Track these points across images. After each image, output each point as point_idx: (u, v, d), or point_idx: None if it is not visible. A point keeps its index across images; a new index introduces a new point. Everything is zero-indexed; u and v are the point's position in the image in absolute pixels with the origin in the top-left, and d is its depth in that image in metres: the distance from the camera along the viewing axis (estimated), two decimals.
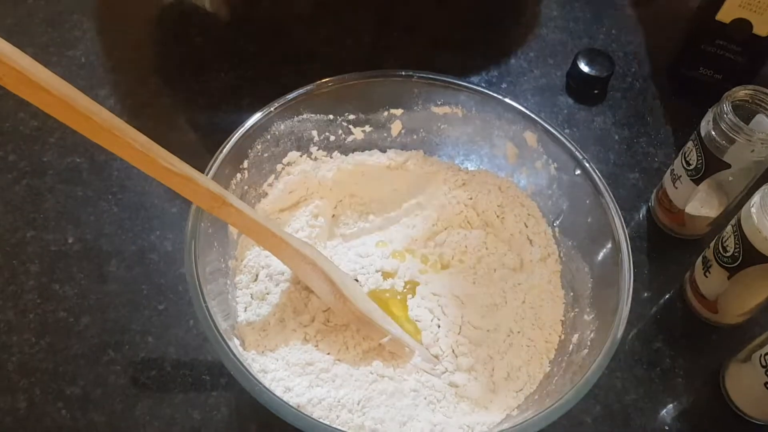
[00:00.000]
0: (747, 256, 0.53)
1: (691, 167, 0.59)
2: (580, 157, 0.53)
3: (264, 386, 0.42)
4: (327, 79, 0.56)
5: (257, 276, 0.53)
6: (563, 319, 0.54)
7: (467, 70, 0.74)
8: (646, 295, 0.62)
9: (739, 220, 0.54)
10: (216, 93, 0.71)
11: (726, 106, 0.55)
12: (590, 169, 0.52)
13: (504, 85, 0.74)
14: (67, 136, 0.66)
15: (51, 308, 0.57)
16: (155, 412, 0.53)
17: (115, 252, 0.60)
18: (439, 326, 0.53)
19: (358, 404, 0.48)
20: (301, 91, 0.55)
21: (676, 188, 0.62)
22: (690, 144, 0.60)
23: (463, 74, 0.73)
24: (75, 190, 0.63)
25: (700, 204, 0.62)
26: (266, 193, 0.57)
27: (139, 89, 0.71)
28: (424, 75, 0.57)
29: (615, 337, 0.45)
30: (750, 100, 0.57)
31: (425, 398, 0.49)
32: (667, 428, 0.56)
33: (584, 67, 0.72)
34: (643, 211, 0.67)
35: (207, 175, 0.49)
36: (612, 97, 0.74)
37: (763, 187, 0.53)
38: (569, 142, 0.54)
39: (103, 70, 0.72)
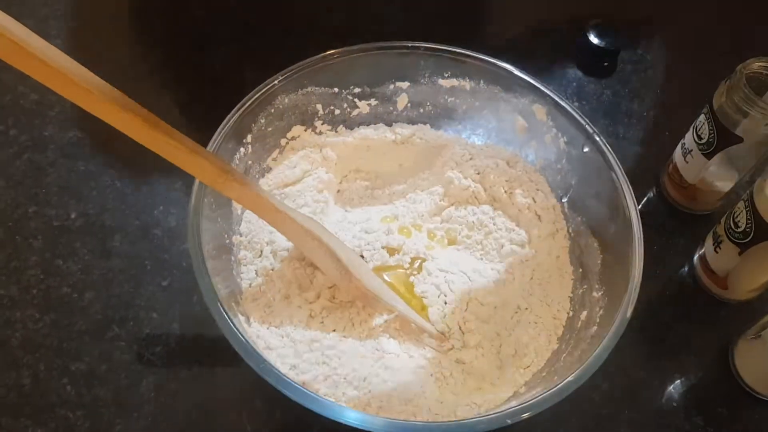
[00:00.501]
0: (759, 232, 0.53)
1: (703, 141, 0.58)
2: (590, 131, 0.52)
3: (270, 363, 0.42)
4: (332, 51, 0.54)
5: (262, 252, 0.53)
6: (571, 295, 0.53)
7: (473, 41, 0.72)
8: (656, 270, 0.61)
9: (751, 196, 0.53)
10: (219, 65, 0.70)
11: (740, 79, 0.54)
12: (601, 143, 0.51)
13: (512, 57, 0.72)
14: (68, 109, 0.65)
15: (54, 284, 0.57)
16: (160, 388, 0.53)
17: (118, 227, 0.60)
18: (446, 302, 0.52)
19: (364, 381, 0.47)
20: (305, 63, 0.54)
21: (687, 162, 0.61)
22: (702, 117, 0.59)
23: (469, 46, 0.71)
24: (77, 165, 0.63)
25: (711, 179, 0.61)
26: (270, 168, 0.56)
27: (142, 61, 0.70)
28: (432, 46, 0.55)
29: (624, 316, 0.44)
30: (765, 72, 0.56)
31: (432, 375, 0.49)
32: (675, 405, 0.56)
33: (594, 39, 0.71)
34: (653, 186, 0.66)
35: (210, 149, 0.49)
36: (622, 69, 0.73)
37: None
38: (579, 115, 0.53)
39: (103, 42, 0.71)
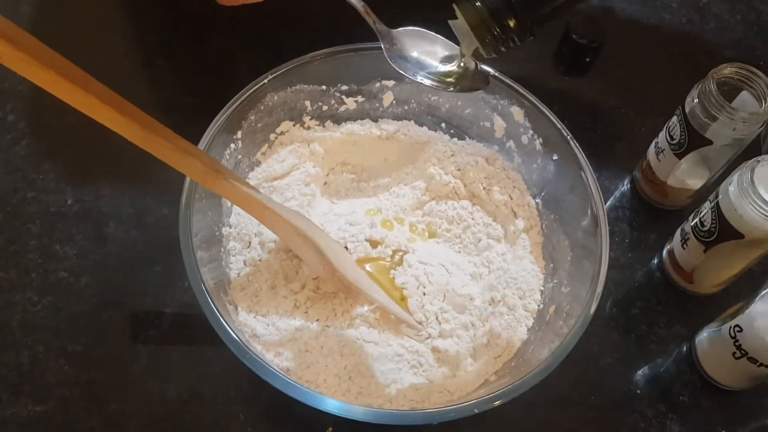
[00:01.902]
0: (723, 232, 0.55)
1: (675, 141, 0.61)
2: (565, 134, 0.54)
3: (253, 353, 0.44)
4: (320, 51, 0.57)
5: (250, 243, 0.55)
6: (542, 289, 0.56)
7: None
8: (625, 262, 0.64)
9: (717, 197, 0.56)
10: (212, 57, 0.71)
11: (711, 84, 0.57)
12: (574, 147, 0.54)
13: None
14: None
15: (52, 268, 0.59)
16: (153, 370, 0.56)
17: (113, 214, 0.62)
18: (424, 293, 0.55)
19: (344, 369, 0.50)
20: (294, 62, 0.56)
21: (660, 161, 0.63)
22: (675, 119, 0.61)
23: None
24: (74, 152, 0.65)
25: (682, 177, 0.64)
26: (259, 162, 0.58)
27: (135, 51, 0.71)
28: None
29: (588, 313, 0.47)
30: (735, 77, 0.58)
31: (408, 362, 0.52)
32: (639, 392, 0.59)
33: (575, 36, 0.72)
34: (627, 181, 0.69)
35: (201, 146, 0.51)
36: (603, 65, 0.75)
37: (741, 166, 0.54)
38: (555, 119, 0.55)
39: (97, 31, 0.72)
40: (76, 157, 0.64)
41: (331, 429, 0.54)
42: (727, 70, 0.58)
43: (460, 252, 0.58)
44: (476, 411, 0.44)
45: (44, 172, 0.63)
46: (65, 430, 0.53)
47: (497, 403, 0.45)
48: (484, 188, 0.60)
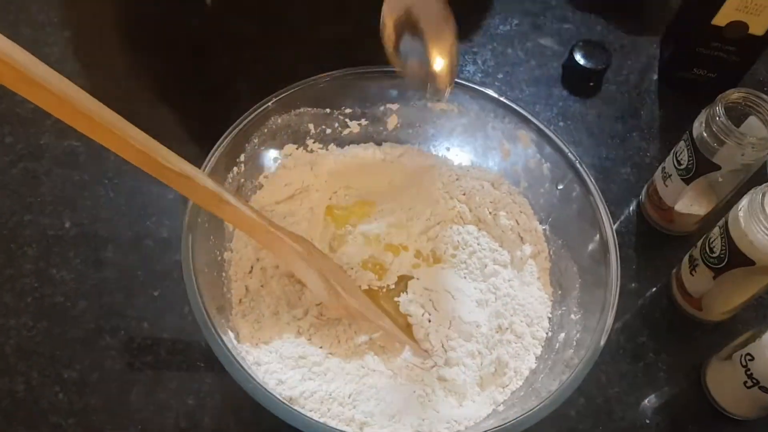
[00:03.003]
0: (733, 258, 0.55)
1: (682, 167, 0.60)
2: (573, 159, 0.53)
3: (257, 381, 0.43)
4: (324, 74, 0.56)
5: (252, 268, 0.54)
6: (550, 316, 0.55)
7: (463, 60, 0.74)
8: (632, 289, 0.63)
9: (726, 223, 0.55)
10: (214, 76, 0.71)
11: (718, 109, 0.56)
12: (582, 171, 0.53)
13: (500, 75, 0.74)
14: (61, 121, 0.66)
15: (48, 292, 0.58)
16: (150, 397, 0.54)
17: (111, 237, 0.61)
18: (429, 321, 0.54)
19: (348, 397, 0.49)
20: (297, 85, 0.55)
21: (667, 186, 0.63)
22: (682, 144, 0.60)
23: (459, 64, 0.73)
24: (72, 174, 0.64)
25: (690, 202, 0.63)
26: (262, 185, 0.57)
27: (136, 72, 0.71)
28: None
29: (598, 345, 0.46)
30: (743, 102, 0.58)
31: (414, 392, 0.51)
32: (648, 421, 0.58)
33: (580, 59, 0.72)
34: (633, 206, 0.68)
35: (204, 169, 0.50)
36: (607, 90, 0.74)
37: (750, 192, 0.54)
38: (563, 143, 0.54)
39: (98, 51, 0.72)
40: (74, 179, 0.63)
41: None
42: (734, 95, 0.57)
43: (465, 278, 0.57)
44: None
45: (41, 195, 0.62)
46: None
47: None
48: (490, 213, 0.59)
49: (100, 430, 0.53)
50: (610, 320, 0.47)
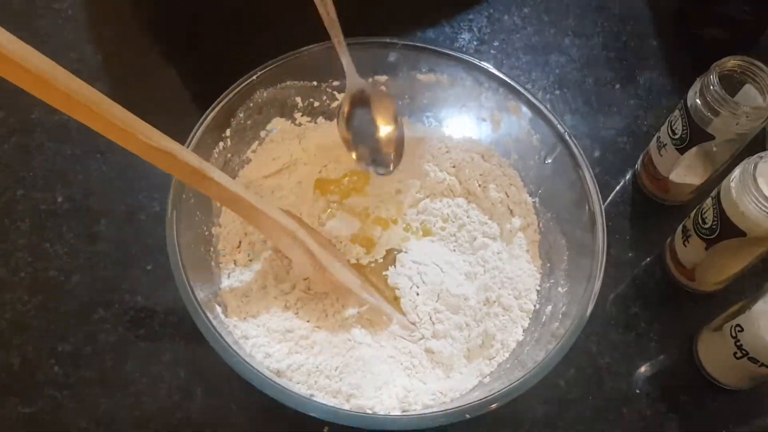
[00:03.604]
0: (724, 229, 0.54)
1: (677, 137, 0.59)
2: (562, 131, 0.53)
3: (241, 358, 0.44)
4: (309, 46, 0.55)
5: (240, 243, 0.54)
6: (539, 288, 0.55)
7: (459, 26, 0.73)
8: (627, 259, 0.63)
9: (718, 194, 0.55)
10: (202, 55, 0.70)
11: (713, 77, 0.55)
12: (571, 143, 0.52)
13: (496, 43, 0.73)
14: None
15: (42, 267, 0.59)
16: (144, 369, 0.55)
17: (104, 211, 0.61)
18: (417, 293, 0.54)
19: (335, 370, 0.49)
20: (283, 57, 0.54)
21: (662, 156, 0.62)
22: (677, 113, 0.59)
23: (454, 31, 0.72)
24: (64, 148, 0.64)
25: (684, 172, 0.62)
26: (250, 160, 0.57)
27: (125, 47, 0.70)
28: (409, 43, 0.56)
29: (584, 315, 0.46)
30: (738, 71, 0.56)
31: (401, 364, 0.51)
32: (638, 391, 0.58)
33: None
34: (629, 176, 0.67)
35: (188, 145, 0.50)
36: (604, 56, 0.73)
37: (743, 162, 0.53)
38: (553, 114, 0.54)
39: (89, 25, 0.71)
40: (66, 153, 0.64)
41: (327, 429, 0.54)
42: (730, 63, 0.56)
43: (454, 251, 0.57)
44: (468, 417, 0.43)
45: (34, 169, 0.63)
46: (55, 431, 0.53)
47: (493, 406, 0.44)
48: (479, 185, 0.58)
49: (95, 402, 0.54)
50: (596, 289, 0.47)
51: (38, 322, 0.56)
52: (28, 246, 0.59)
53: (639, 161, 0.66)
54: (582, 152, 0.51)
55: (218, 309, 0.50)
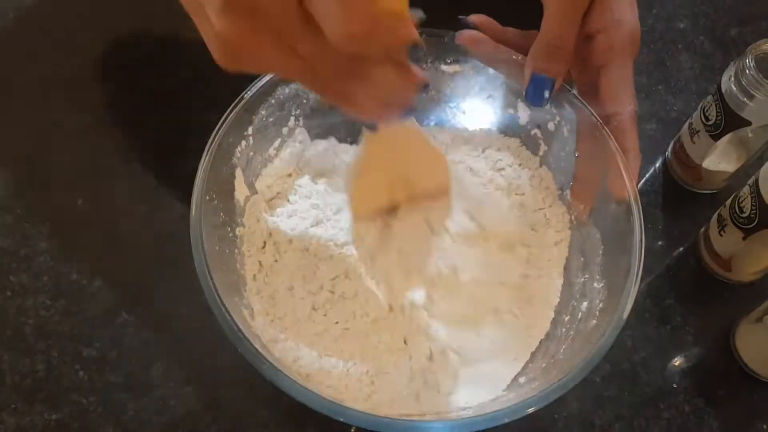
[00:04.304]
0: (763, 218, 0.53)
1: (710, 123, 0.58)
2: (595, 120, 0.51)
3: (271, 362, 0.42)
4: None
5: (265, 243, 0.53)
6: (574, 282, 0.53)
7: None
8: (659, 249, 0.62)
9: (756, 181, 0.53)
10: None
11: (748, 61, 0.53)
12: (604, 132, 0.50)
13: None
14: (77, 92, 0.65)
15: (65, 270, 0.58)
16: (170, 373, 0.54)
17: (125, 213, 0.60)
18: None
19: (366, 374, 0.48)
20: None
21: (694, 143, 0.60)
22: (710, 98, 0.58)
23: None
24: (85, 150, 0.63)
25: (718, 159, 0.60)
26: (272, 158, 0.56)
27: (142, 44, 0.69)
28: (435, 31, 0.54)
29: (621, 318, 0.44)
30: None
31: (433, 372, 0.49)
32: (675, 386, 0.56)
33: None
34: (659, 163, 0.66)
35: (211, 145, 0.48)
36: None
37: None
38: (582, 103, 0.52)
39: (103, 21, 0.70)
40: (87, 155, 0.63)
41: (354, 429, 0.53)
42: (766, 45, 0.54)
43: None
44: (506, 420, 0.42)
45: (54, 171, 0.62)
46: None
47: (531, 410, 0.43)
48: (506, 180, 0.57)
49: (122, 407, 0.53)
50: (634, 289, 0.45)
51: (62, 327, 0.56)
52: (48, 250, 0.58)
53: (669, 148, 0.65)
54: (614, 141, 0.50)
55: (245, 312, 0.49)
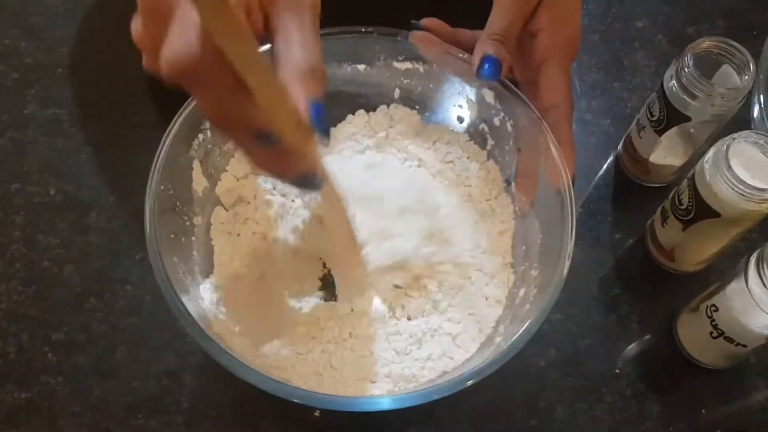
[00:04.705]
0: (699, 210, 0.55)
1: (654, 119, 0.60)
2: (536, 115, 0.53)
3: (218, 344, 0.45)
4: None
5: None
6: (517, 270, 0.56)
7: (435, 10, 0.73)
8: (608, 241, 0.64)
9: (693, 175, 0.55)
10: None
11: (687, 59, 0.55)
12: (543, 126, 0.53)
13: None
14: (47, 87, 0.68)
15: (36, 258, 0.61)
16: (134, 356, 0.57)
17: (95, 203, 0.63)
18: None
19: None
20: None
21: (641, 138, 0.62)
22: (654, 95, 0.60)
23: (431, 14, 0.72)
24: (56, 142, 0.66)
25: (664, 153, 0.62)
26: (232, 151, 0.58)
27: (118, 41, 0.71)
28: (386, 30, 0.56)
29: (553, 294, 0.46)
30: (715, 51, 0.57)
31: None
32: (618, 372, 0.59)
33: None
34: (611, 158, 0.68)
35: (166, 138, 0.51)
36: (588, 39, 0.73)
37: (716, 144, 0.53)
38: (525, 99, 0.54)
39: (80, 20, 0.73)
40: (58, 146, 0.65)
41: (318, 413, 0.55)
42: (705, 44, 0.56)
43: None
44: (437, 397, 0.44)
45: (28, 163, 0.64)
46: (50, 416, 0.55)
47: (469, 383, 0.45)
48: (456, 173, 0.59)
49: (88, 388, 0.56)
50: (565, 270, 0.48)
51: (33, 311, 0.58)
52: (22, 238, 0.61)
53: (620, 143, 0.67)
54: (551, 134, 0.52)
55: (201, 301, 0.51)
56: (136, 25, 0.37)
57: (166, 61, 0.33)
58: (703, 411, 0.58)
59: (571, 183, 0.50)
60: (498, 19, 0.53)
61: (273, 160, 0.37)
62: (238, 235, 0.56)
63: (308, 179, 0.40)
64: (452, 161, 0.59)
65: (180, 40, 0.32)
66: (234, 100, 0.34)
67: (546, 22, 0.54)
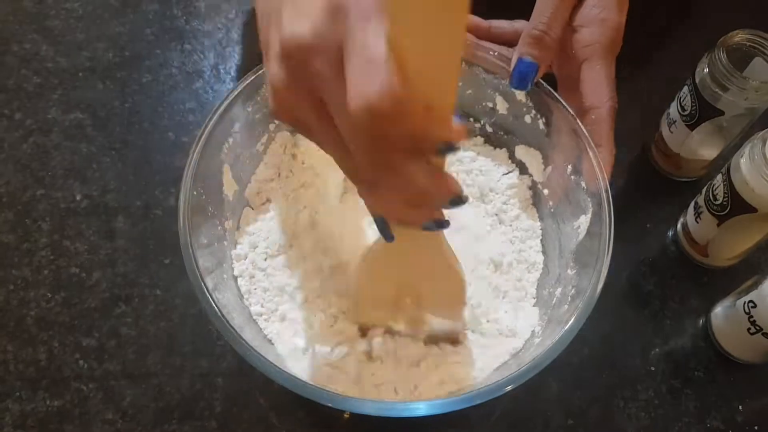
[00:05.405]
0: (735, 205, 0.54)
1: (686, 113, 0.59)
2: (568, 112, 0.52)
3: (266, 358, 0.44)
4: None
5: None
6: (551, 271, 0.55)
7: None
8: (640, 236, 0.63)
9: (728, 170, 0.54)
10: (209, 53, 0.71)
11: (720, 53, 0.55)
12: (578, 126, 0.52)
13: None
14: (69, 92, 0.68)
15: (64, 264, 0.60)
16: (166, 361, 0.57)
17: (121, 208, 0.63)
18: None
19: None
20: None
21: (672, 132, 0.62)
22: (685, 89, 0.59)
23: None
24: (80, 147, 0.65)
25: (696, 147, 0.62)
26: (261, 154, 0.57)
27: (138, 41, 0.71)
28: None
29: (593, 294, 0.46)
30: (747, 44, 0.56)
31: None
32: (653, 368, 0.58)
33: None
34: (641, 152, 0.67)
35: (197, 143, 0.50)
36: None
37: (752, 138, 0.52)
38: (557, 96, 0.53)
39: (101, 22, 0.72)
40: (82, 151, 0.65)
41: (348, 414, 0.55)
42: (737, 37, 0.56)
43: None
44: (479, 402, 0.44)
45: (52, 168, 0.64)
46: (82, 423, 0.55)
47: (508, 388, 0.44)
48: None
49: (120, 394, 0.56)
50: (604, 271, 0.47)
51: (62, 318, 0.58)
52: (49, 244, 0.61)
53: (651, 138, 0.66)
54: (588, 135, 0.51)
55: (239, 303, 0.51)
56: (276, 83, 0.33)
57: (364, 108, 0.29)
58: (740, 407, 0.57)
59: (608, 185, 0.49)
60: (543, 13, 0.51)
61: (433, 181, 0.33)
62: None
63: (459, 200, 0.35)
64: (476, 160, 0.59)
65: (374, 77, 0.28)
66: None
67: (590, 17, 0.52)
